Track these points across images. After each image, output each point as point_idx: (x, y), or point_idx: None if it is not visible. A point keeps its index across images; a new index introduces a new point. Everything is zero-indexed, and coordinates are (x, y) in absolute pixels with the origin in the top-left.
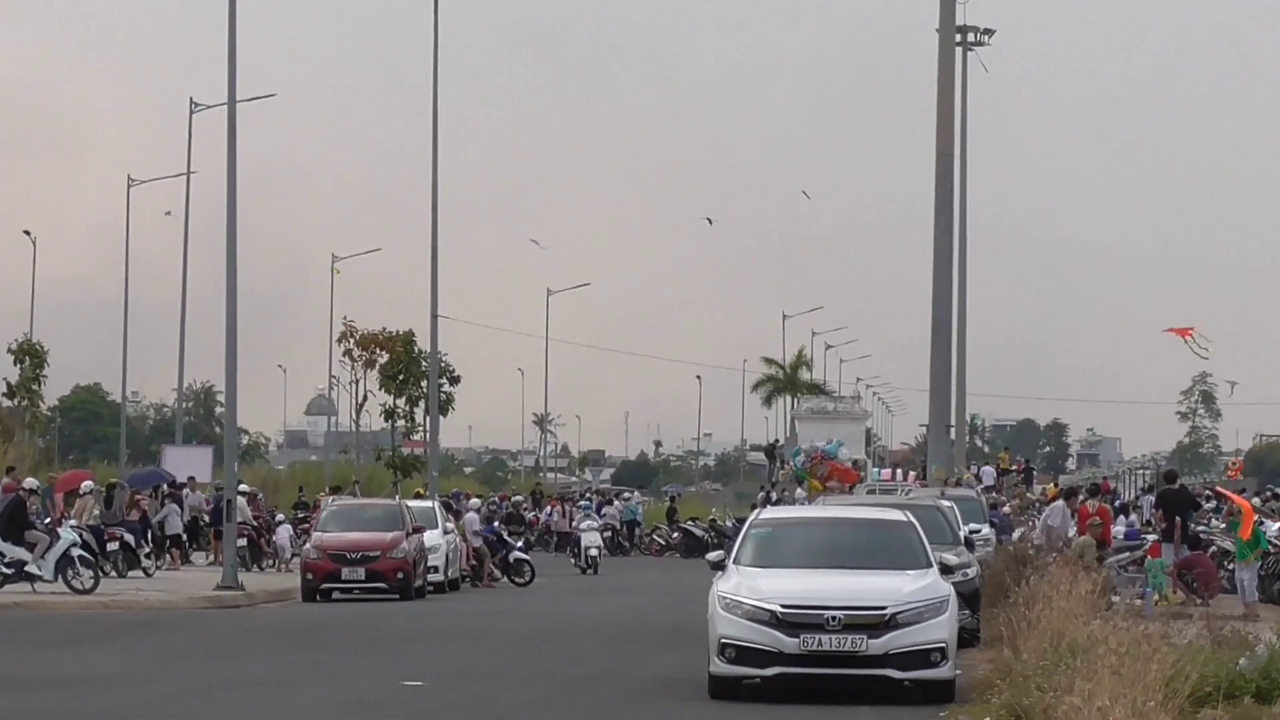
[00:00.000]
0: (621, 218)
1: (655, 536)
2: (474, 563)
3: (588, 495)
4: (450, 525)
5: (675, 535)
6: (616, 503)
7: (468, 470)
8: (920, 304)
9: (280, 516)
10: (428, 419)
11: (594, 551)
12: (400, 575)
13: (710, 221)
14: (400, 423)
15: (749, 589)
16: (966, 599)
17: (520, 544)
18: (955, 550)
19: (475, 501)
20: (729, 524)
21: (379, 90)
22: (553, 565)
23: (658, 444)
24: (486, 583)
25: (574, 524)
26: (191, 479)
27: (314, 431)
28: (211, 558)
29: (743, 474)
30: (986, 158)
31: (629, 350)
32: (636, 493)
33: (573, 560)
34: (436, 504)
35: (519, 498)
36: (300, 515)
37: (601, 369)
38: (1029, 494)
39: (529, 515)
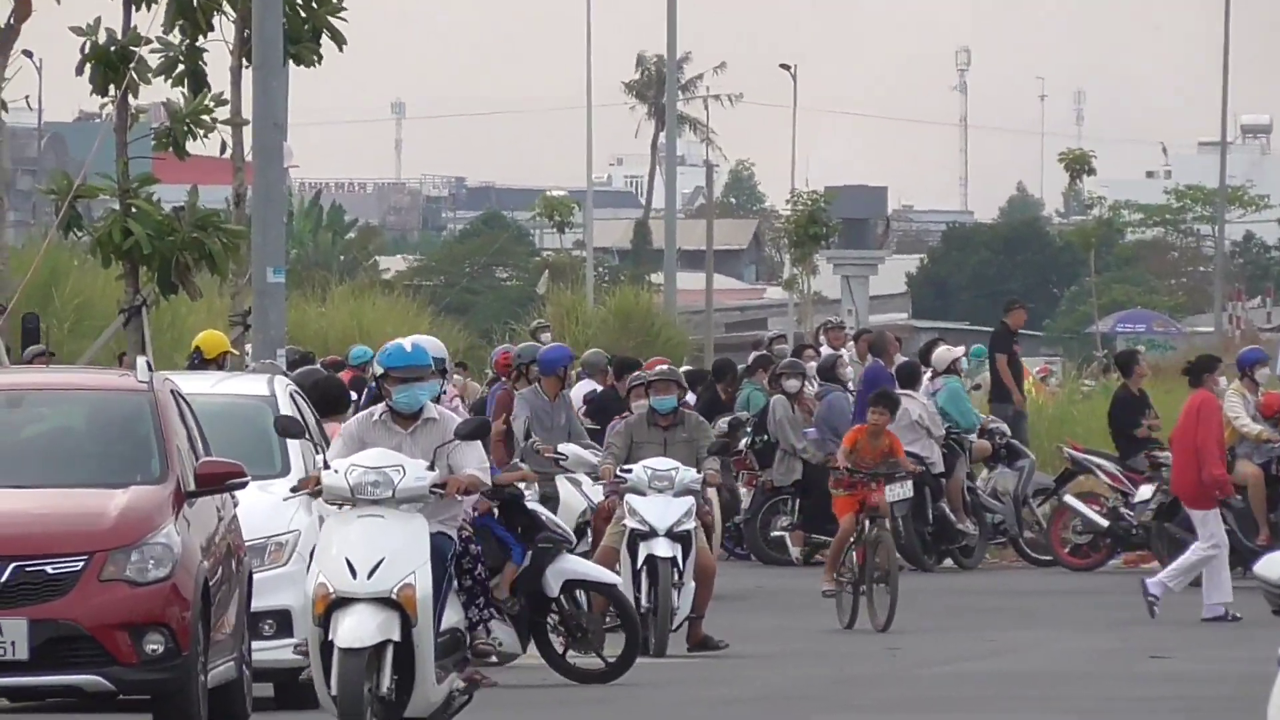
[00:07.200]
0: None
1: (1070, 503)
2: None
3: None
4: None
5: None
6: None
7: (390, 267)
8: None
9: None
10: (251, 78)
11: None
12: (157, 641)
13: None
14: (167, 91)
15: None
16: None
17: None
18: None
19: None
20: None
21: None
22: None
23: (1078, 169)
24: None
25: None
26: None
27: None
28: None
29: None
30: None
31: None
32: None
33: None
34: (283, 386)
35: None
36: None
37: None
38: None
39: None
